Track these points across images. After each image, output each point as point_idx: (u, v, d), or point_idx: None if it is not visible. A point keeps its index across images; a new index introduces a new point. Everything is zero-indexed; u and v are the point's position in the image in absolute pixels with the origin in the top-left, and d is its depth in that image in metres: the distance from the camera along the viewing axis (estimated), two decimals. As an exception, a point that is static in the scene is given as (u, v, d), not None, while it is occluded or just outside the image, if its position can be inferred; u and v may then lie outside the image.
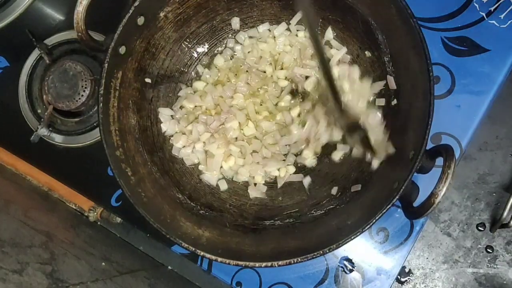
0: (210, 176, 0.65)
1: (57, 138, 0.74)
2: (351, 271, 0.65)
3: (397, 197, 0.49)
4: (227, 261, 0.52)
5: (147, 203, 0.57)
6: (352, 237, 0.50)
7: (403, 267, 0.66)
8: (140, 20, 0.58)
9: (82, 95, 0.70)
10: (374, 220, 0.49)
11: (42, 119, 0.72)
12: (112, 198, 0.72)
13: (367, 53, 0.62)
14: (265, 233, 0.61)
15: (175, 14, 0.63)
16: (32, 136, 0.72)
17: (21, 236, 0.58)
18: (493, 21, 0.65)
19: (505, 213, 0.60)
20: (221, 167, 0.65)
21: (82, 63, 0.71)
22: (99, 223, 0.77)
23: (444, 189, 0.46)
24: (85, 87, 0.70)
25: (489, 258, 0.65)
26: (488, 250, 0.65)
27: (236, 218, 0.63)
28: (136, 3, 0.56)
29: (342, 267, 0.65)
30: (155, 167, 0.63)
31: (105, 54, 0.55)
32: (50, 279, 0.52)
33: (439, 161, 0.49)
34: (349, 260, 0.65)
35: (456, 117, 0.64)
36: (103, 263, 0.66)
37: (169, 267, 0.74)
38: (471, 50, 0.65)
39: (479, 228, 0.62)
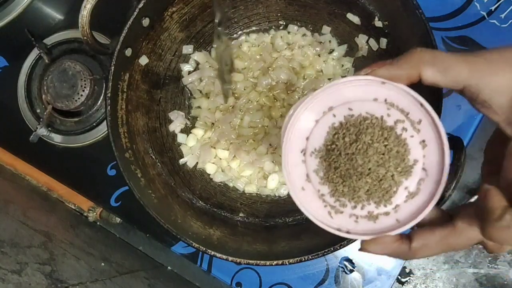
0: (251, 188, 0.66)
1: (56, 138, 0.74)
2: (351, 271, 0.64)
3: None
4: (238, 260, 0.52)
5: (158, 204, 0.57)
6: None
7: (404, 268, 0.66)
8: (145, 22, 0.58)
9: (82, 95, 0.70)
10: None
11: (41, 119, 0.72)
12: (112, 198, 0.72)
13: (374, 46, 0.63)
14: (276, 232, 0.61)
15: (180, 14, 0.63)
16: (31, 136, 0.71)
17: (20, 236, 0.58)
18: (494, 21, 0.65)
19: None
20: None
21: (82, 63, 0.71)
22: (98, 223, 0.77)
23: (454, 182, 0.46)
24: (85, 87, 0.70)
25: (490, 258, 0.65)
26: (488, 250, 0.65)
27: (247, 217, 0.63)
28: (140, 5, 0.56)
29: (342, 267, 0.65)
30: (165, 168, 0.63)
31: (111, 57, 0.55)
32: (49, 279, 0.51)
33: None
34: (350, 261, 0.65)
35: (456, 117, 0.64)
36: (103, 264, 0.65)
37: (169, 268, 0.73)
38: (471, 50, 0.65)
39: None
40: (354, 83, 0.35)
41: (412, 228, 0.35)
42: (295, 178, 0.37)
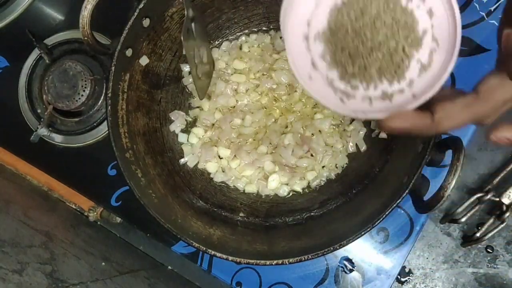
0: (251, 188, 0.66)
1: (57, 138, 0.74)
2: (351, 271, 0.65)
3: (407, 191, 0.49)
4: (238, 259, 0.52)
5: (158, 204, 0.57)
6: (363, 232, 0.50)
7: (403, 267, 0.66)
8: (146, 22, 0.59)
9: (82, 95, 0.70)
10: (385, 214, 0.49)
11: (42, 119, 0.72)
12: (112, 198, 0.72)
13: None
14: (276, 231, 0.61)
15: (180, 14, 0.63)
16: (32, 136, 0.71)
17: (21, 236, 0.58)
18: (493, 21, 0.65)
19: (459, 210, 0.60)
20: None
21: (82, 63, 0.71)
22: (99, 223, 0.77)
23: (453, 182, 0.46)
24: (85, 87, 0.70)
25: (489, 258, 0.65)
26: (488, 250, 0.65)
27: (247, 217, 0.63)
28: (141, 5, 0.56)
29: (342, 267, 0.65)
30: (165, 168, 0.63)
31: (112, 57, 0.55)
32: (50, 279, 0.52)
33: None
34: (349, 260, 0.65)
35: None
36: (103, 263, 0.66)
37: (169, 267, 0.74)
38: (471, 50, 0.65)
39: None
40: None
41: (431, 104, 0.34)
42: (301, 67, 0.35)
